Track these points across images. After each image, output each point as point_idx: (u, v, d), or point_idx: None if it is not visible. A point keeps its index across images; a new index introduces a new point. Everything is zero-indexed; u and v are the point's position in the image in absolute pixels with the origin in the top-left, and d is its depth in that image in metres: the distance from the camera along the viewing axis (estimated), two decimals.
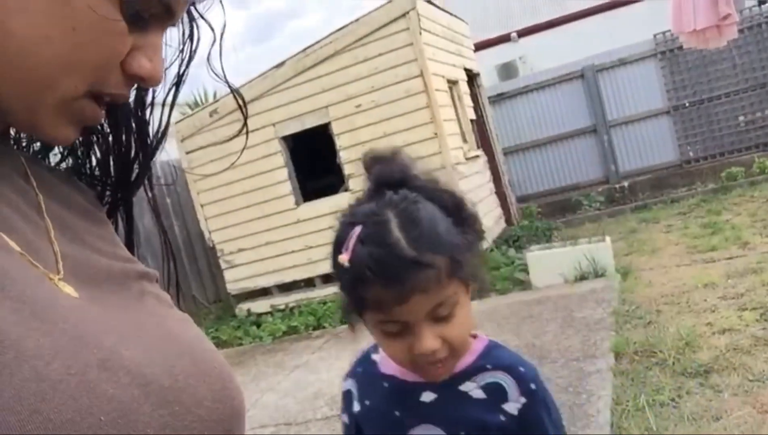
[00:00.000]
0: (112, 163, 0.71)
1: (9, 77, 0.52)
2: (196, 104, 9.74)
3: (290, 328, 6.85)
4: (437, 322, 0.95)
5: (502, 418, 1.00)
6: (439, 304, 0.94)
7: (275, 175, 7.45)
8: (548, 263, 6.14)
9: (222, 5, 0.63)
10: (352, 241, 0.95)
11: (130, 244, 0.73)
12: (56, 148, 0.70)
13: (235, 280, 7.88)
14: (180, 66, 0.66)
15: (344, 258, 0.95)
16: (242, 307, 7.84)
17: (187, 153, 7.69)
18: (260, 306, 7.66)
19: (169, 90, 0.67)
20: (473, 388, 1.02)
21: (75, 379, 0.45)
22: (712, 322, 4.29)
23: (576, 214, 9.84)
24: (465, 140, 7.91)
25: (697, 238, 6.77)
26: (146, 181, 0.73)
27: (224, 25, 0.65)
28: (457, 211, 1.01)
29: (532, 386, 1.02)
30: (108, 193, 0.72)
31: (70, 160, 0.71)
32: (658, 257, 6.45)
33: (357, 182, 7.18)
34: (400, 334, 0.96)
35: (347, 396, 1.14)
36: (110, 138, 0.70)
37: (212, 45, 0.65)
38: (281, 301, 7.55)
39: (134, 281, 0.62)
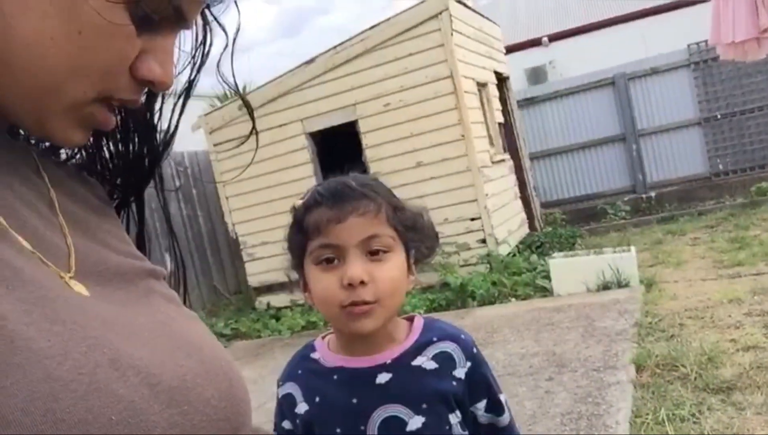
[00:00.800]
0: (121, 160, 0.71)
1: (15, 82, 0.51)
2: (226, 97, 9.81)
3: (309, 323, 6.88)
4: (369, 258, 1.03)
5: (454, 383, 1.07)
6: (372, 236, 1.03)
7: (301, 171, 7.47)
8: (571, 271, 6.08)
9: (237, 7, 0.62)
10: (308, 191, 1.10)
11: (141, 239, 0.73)
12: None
13: (256, 273, 7.92)
14: (191, 70, 0.65)
15: (299, 201, 1.09)
16: (262, 300, 7.89)
17: (215, 145, 7.75)
18: (280, 300, 7.69)
19: (180, 96, 0.66)
20: (425, 361, 1.08)
21: (86, 379, 0.45)
22: (736, 338, 4.22)
23: (601, 223, 9.74)
24: (492, 144, 7.87)
25: (723, 253, 6.66)
26: (158, 181, 0.73)
27: (238, 29, 0.64)
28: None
29: (474, 350, 1.12)
30: (118, 188, 0.72)
31: (80, 156, 0.70)
32: (684, 270, 6.36)
33: (381, 180, 7.16)
34: (333, 267, 1.03)
35: (287, 399, 1.15)
36: (119, 136, 0.69)
37: (224, 50, 0.64)
38: (301, 296, 7.55)
39: (142, 279, 0.62)
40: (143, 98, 0.64)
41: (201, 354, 0.56)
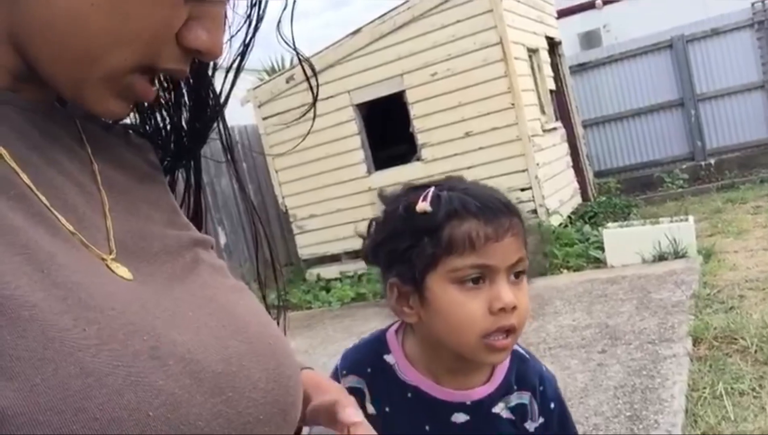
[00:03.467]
0: (173, 125, 0.68)
1: (55, 49, 0.49)
2: (273, 70, 9.85)
3: (358, 295, 6.92)
4: (511, 283, 0.93)
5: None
6: (521, 259, 0.94)
7: (348, 143, 7.46)
8: (625, 241, 5.93)
9: None
10: (430, 193, 0.95)
11: (198, 205, 0.71)
12: None
13: (306, 245, 8.00)
14: (246, 34, 0.62)
15: (424, 204, 0.93)
16: (312, 272, 7.97)
17: (264, 118, 7.80)
18: (330, 272, 7.76)
19: (234, 59, 0.63)
20: (503, 409, 1.01)
21: (123, 371, 0.43)
22: None
23: (657, 192, 9.45)
24: (543, 111, 7.69)
25: None
26: (227, 148, 0.70)
27: None
28: None
29: (551, 405, 1.03)
30: (169, 152, 0.70)
31: (132, 118, 0.68)
32: (744, 240, 6.12)
33: (430, 151, 7.14)
34: (476, 288, 0.91)
35: (354, 393, 1.04)
36: (171, 102, 0.67)
37: (282, 11, 0.60)
38: (350, 267, 7.62)
39: (188, 249, 0.59)
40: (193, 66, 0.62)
41: (247, 331, 0.54)
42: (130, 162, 0.62)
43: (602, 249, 6.14)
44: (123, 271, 0.51)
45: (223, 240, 8.78)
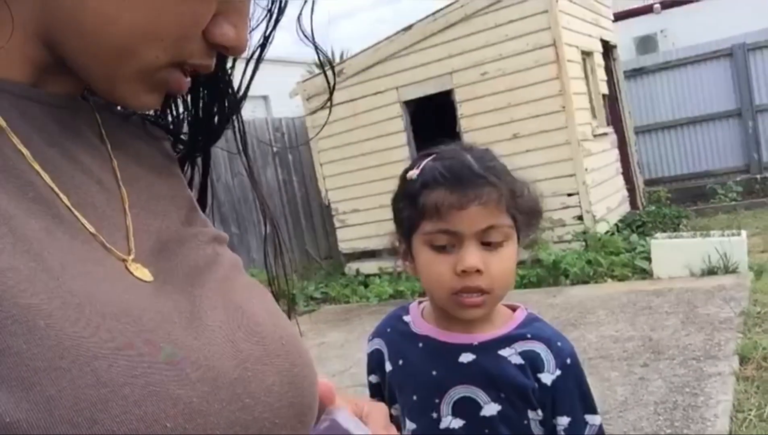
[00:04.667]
0: (190, 117, 0.68)
1: (86, 45, 0.49)
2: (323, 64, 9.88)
3: (396, 292, 6.90)
4: (485, 248, 1.00)
5: (536, 385, 1.03)
6: (491, 226, 1.00)
7: (394, 139, 7.44)
8: (674, 253, 5.76)
9: None
10: (423, 161, 1.05)
11: (203, 197, 0.71)
12: None
13: (346, 239, 8.02)
14: (266, 27, 0.60)
15: (414, 172, 1.05)
16: (351, 267, 7.98)
17: (311, 112, 7.83)
18: (369, 267, 7.76)
19: (253, 53, 0.62)
20: (511, 354, 1.04)
21: (140, 381, 0.42)
22: None
23: (709, 204, 9.17)
24: (594, 116, 7.53)
25: None
26: (242, 145, 0.68)
27: None
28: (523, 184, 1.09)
29: (568, 361, 1.05)
30: (183, 143, 0.69)
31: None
32: None
33: None
34: (446, 251, 1.01)
35: (376, 355, 1.16)
36: (189, 95, 0.66)
37: (303, 5, 0.59)
38: (390, 264, 7.58)
39: (205, 246, 0.59)
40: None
41: (261, 332, 0.53)
42: (148, 154, 0.62)
43: (649, 259, 5.99)
44: (142, 272, 0.51)
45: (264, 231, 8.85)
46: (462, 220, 0.99)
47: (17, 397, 0.37)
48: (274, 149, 9.12)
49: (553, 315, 5.07)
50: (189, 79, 0.55)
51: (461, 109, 7.08)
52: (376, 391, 1.17)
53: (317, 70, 9.28)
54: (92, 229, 0.49)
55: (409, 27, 7.25)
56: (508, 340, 1.06)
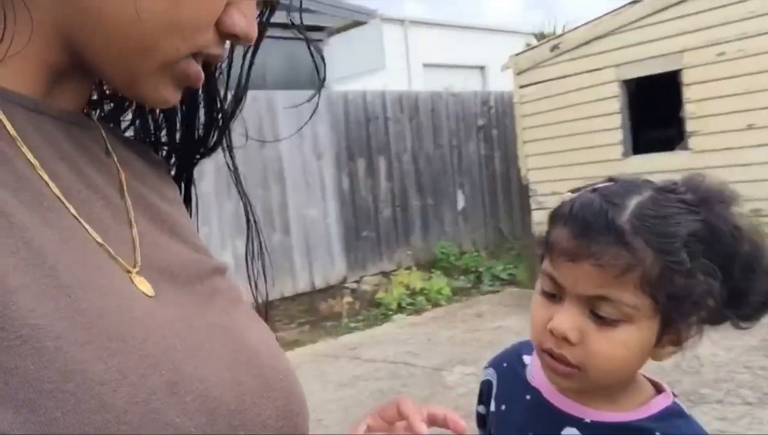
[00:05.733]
0: (181, 130, 0.69)
1: (107, 42, 0.50)
2: (542, 36, 9.51)
3: None
4: (592, 318, 0.81)
5: None
6: (602, 297, 0.80)
7: (607, 121, 6.93)
8: None
9: None
10: (588, 189, 0.88)
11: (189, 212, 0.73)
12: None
13: (541, 222, 7.56)
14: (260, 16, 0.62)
15: (569, 193, 0.90)
16: None
17: (521, 87, 7.60)
18: None
19: (244, 55, 0.64)
20: None
21: (140, 408, 0.43)
22: None
23: None
24: None
25: None
26: (228, 149, 0.70)
27: None
28: (732, 256, 0.81)
29: None
30: (174, 160, 0.71)
31: (139, 125, 0.70)
32: None
33: (700, 141, 6.35)
34: (551, 301, 0.86)
35: (486, 387, 1.04)
36: (182, 106, 0.67)
37: None
38: None
39: (208, 277, 0.60)
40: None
41: (260, 365, 0.55)
42: (150, 176, 0.64)
43: None
44: (146, 286, 0.51)
45: (461, 204, 8.87)
46: (569, 275, 0.82)
47: (23, 418, 0.38)
48: (479, 123, 9.05)
49: None
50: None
51: (688, 92, 6.39)
52: (483, 423, 1.05)
53: (537, 42, 8.97)
54: (99, 239, 0.50)
55: (638, 0, 6.67)
56: (629, 430, 0.85)
